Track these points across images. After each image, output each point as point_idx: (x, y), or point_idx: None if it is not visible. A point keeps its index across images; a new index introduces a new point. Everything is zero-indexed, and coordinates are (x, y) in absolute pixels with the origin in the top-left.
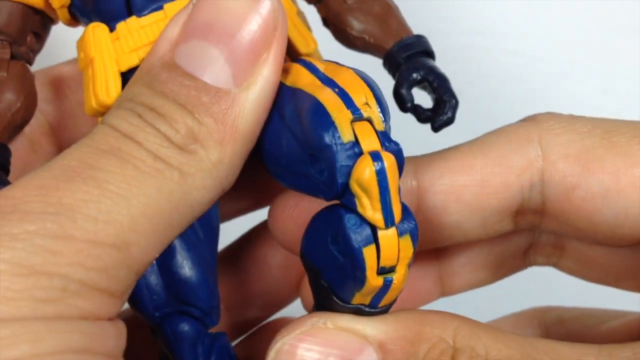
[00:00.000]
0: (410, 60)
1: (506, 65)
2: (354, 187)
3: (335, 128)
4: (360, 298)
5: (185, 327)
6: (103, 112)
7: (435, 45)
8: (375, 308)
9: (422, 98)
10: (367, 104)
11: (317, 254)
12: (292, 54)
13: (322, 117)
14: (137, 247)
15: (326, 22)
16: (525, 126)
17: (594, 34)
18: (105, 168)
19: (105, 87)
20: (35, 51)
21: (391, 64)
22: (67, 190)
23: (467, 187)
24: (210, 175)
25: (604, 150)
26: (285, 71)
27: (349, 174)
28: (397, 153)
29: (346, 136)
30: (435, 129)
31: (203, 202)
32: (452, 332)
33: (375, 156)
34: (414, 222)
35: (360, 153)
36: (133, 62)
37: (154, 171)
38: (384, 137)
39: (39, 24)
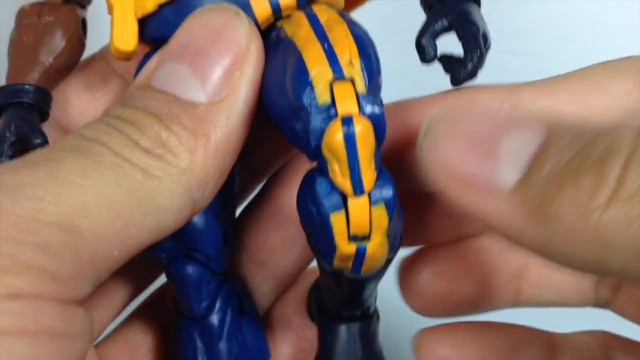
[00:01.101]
0: (443, 3)
1: (506, 65)
2: (325, 151)
3: (312, 88)
4: (340, 262)
5: (189, 269)
6: (123, 57)
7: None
8: (358, 274)
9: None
10: (351, 62)
11: (304, 214)
12: (312, 1)
13: (301, 76)
14: (90, 233)
15: None
16: (625, 60)
17: (594, 34)
18: (61, 159)
19: (120, 34)
20: None
21: (424, 7)
22: (14, 175)
23: (569, 105)
24: (178, 180)
25: None
26: (289, 20)
27: (322, 137)
28: (376, 118)
29: (322, 97)
30: (454, 83)
31: (171, 209)
32: None
33: (346, 121)
34: (391, 192)
35: (335, 116)
36: (147, 9)
37: (115, 166)
38: (365, 99)
39: None
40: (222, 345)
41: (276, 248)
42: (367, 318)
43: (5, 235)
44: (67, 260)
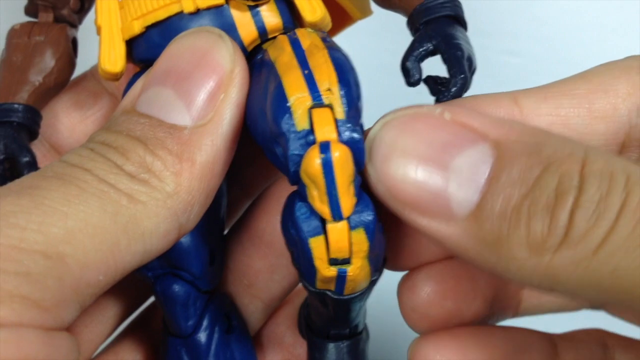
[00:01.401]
0: (428, 26)
1: (506, 65)
2: (304, 177)
3: (291, 114)
4: (322, 284)
5: (176, 288)
6: (110, 78)
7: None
8: (341, 295)
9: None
10: (329, 89)
11: (286, 237)
12: (298, 22)
13: (280, 102)
14: (74, 260)
15: None
16: (627, 59)
17: (594, 34)
18: (45, 187)
19: (107, 56)
20: (81, 12)
21: (410, 29)
22: None
23: (574, 109)
24: (164, 204)
25: None
26: (273, 43)
27: (300, 163)
28: (355, 144)
29: (300, 123)
30: None
31: (157, 233)
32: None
33: (324, 147)
34: (371, 216)
35: (313, 142)
36: (134, 31)
37: (99, 192)
38: (343, 125)
39: None
40: None
41: (260, 273)
42: (356, 336)
43: None
44: (50, 288)
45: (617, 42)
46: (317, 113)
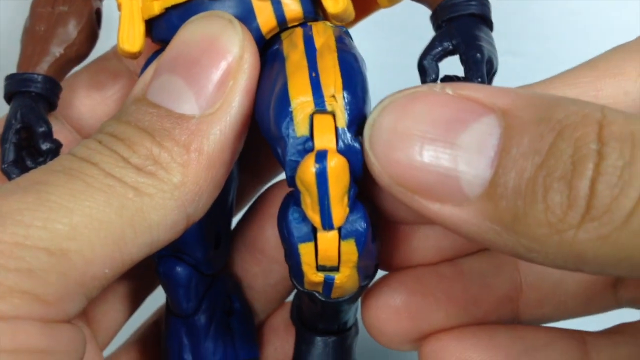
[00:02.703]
0: (451, 24)
1: (506, 65)
2: (298, 183)
3: (292, 119)
4: (310, 286)
5: (178, 269)
6: (129, 57)
7: None
8: (329, 298)
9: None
10: (333, 96)
11: (280, 235)
12: (321, 11)
13: (282, 105)
14: (79, 255)
15: None
16: (634, 41)
17: (594, 34)
18: (51, 182)
19: (127, 35)
20: None
21: (433, 24)
22: (4, 200)
23: (582, 95)
24: (171, 196)
25: None
26: (290, 35)
27: (296, 169)
28: (353, 154)
29: (300, 129)
30: None
31: (164, 225)
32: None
33: (320, 156)
34: (363, 228)
35: (311, 149)
36: (154, 11)
37: (105, 187)
38: (344, 134)
39: None
40: (208, 344)
41: (256, 277)
42: (345, 332)
43: None
44: (53, 283)
45: (618, 42)
46: (319, 120)
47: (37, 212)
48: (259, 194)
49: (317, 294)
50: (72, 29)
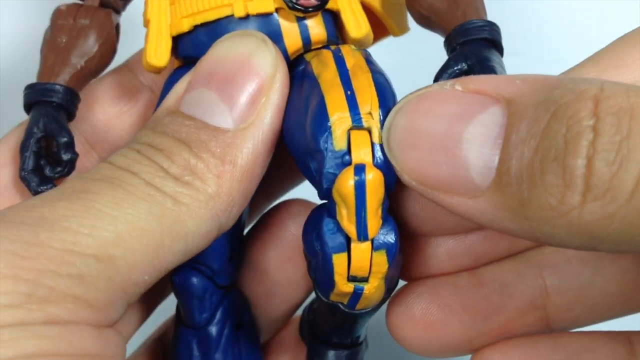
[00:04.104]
0: (465, 46)
1: (506, 66)
2: (335, 195)
3: (330, 134)
4: (336, 297)
5: (194, 280)
6: (154, 71)
7: (435, 47)
8: (353, 310)
9: None
10: (370, 113)
11: (307, 247)
12: (342, 36)
13: (321, 120)
14: (123, 261)
15: None
16: (636, 30)
17: (594, 34)
18: (94, 191)
19: (154, 50)
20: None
21: (447, 49)
22: (51, 207)
23: None
24: (206, 206)
25: None
26: (317, 57)
27: (333, 182)
28: (388, 169)
29: (339, 144)
30: None
31: (198, 233)
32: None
33: (359, 169)
34: (393, 240)
35: (349, 163)
36: (182, 28)
37: (146, 195)
38: (379, 150)
39: None
40: (218, 356)
41: (260, 297)
42: (357, 346)
43: (43, 268)
44: (101, 288)
45: None
46: (356, 135)
47: (84, 219)
48: (264, 212)
49: (340, 306)
50: (92, 42)
